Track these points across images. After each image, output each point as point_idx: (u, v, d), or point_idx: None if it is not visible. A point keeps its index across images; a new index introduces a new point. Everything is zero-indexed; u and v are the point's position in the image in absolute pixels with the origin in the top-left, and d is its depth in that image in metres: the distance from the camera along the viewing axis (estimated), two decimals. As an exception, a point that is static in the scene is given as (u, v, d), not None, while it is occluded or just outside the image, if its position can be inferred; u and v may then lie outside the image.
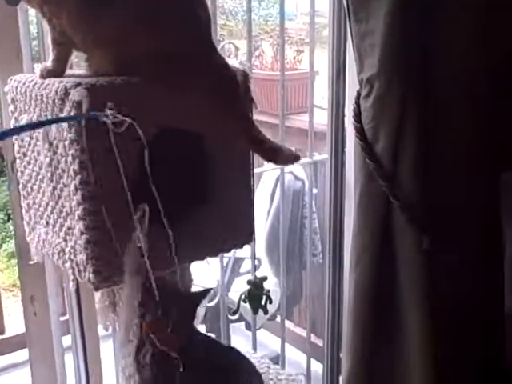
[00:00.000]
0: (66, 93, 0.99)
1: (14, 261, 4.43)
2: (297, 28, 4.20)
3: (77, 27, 1.05)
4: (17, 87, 1.14)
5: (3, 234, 4.95)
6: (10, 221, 4.85)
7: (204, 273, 1.85)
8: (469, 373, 1.61)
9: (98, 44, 1.05)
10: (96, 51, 1.07)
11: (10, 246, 4.70)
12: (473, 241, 1.61)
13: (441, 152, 1.55)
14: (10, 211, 4.86)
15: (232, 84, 1.12)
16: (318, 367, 2.19)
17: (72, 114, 0.98)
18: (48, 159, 1.06)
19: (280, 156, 1.19)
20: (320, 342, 2.18)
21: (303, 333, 2.69)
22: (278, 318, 2.49)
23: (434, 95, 1.53)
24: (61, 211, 1.07)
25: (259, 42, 3.45)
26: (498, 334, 1.67)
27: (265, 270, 2.39)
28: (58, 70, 1.11)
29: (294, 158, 1.23)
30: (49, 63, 1.12)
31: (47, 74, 1.11)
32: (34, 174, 1.13)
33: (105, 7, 1.03)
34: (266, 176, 2.47)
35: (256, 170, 1.42)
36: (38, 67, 1.17)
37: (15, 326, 2.92)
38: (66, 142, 1.00)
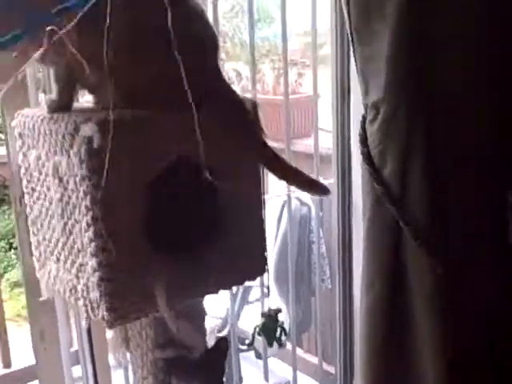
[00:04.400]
0: (76, 128, 0.98)
1: (17, 290, 4.37)
2: (294, 49, 4.16)
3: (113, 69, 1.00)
4: (24, 122, 1.12)
5: (5, 263, 4.87)
6: (12, 250, 4.80)
7: (213, 302, 1.82)
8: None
9: (107, 79, 1.02)
10: (105, 85, 1.05)
11: (13, 275, 4.63)
12: (484, 260, 1.60)
13: (448, 175, 1.54)
14: (11, 240, 4.82)
15: (241, 109, 1.11)
16: (329, 394, 2.16)
17: (83, 149, 0.97)
18: (58, 195, 1.05)
19: (313, 185, 1.18)
20: (331, 369, 2.15)
21: (312, 359, 2.65)
22: (288, 345, 2.45)
23: (440, 118, 1.52)
24: (72, 247, 1.05)
25: (259, 65, 3.44)
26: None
27: (273, 297, 2.36)
28: (64, 101, 1.09)
29: (325, 190, 1.22)
30: (53, 95, 1.10)
31: (54, 106, 1.09)
32: (44, 209, 1.11)
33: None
34: (271, 202, 2.44)
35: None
36: (44, 98, 1.15)
37: (21, 357, 2.86)
38: (77, 178, 0.99)
